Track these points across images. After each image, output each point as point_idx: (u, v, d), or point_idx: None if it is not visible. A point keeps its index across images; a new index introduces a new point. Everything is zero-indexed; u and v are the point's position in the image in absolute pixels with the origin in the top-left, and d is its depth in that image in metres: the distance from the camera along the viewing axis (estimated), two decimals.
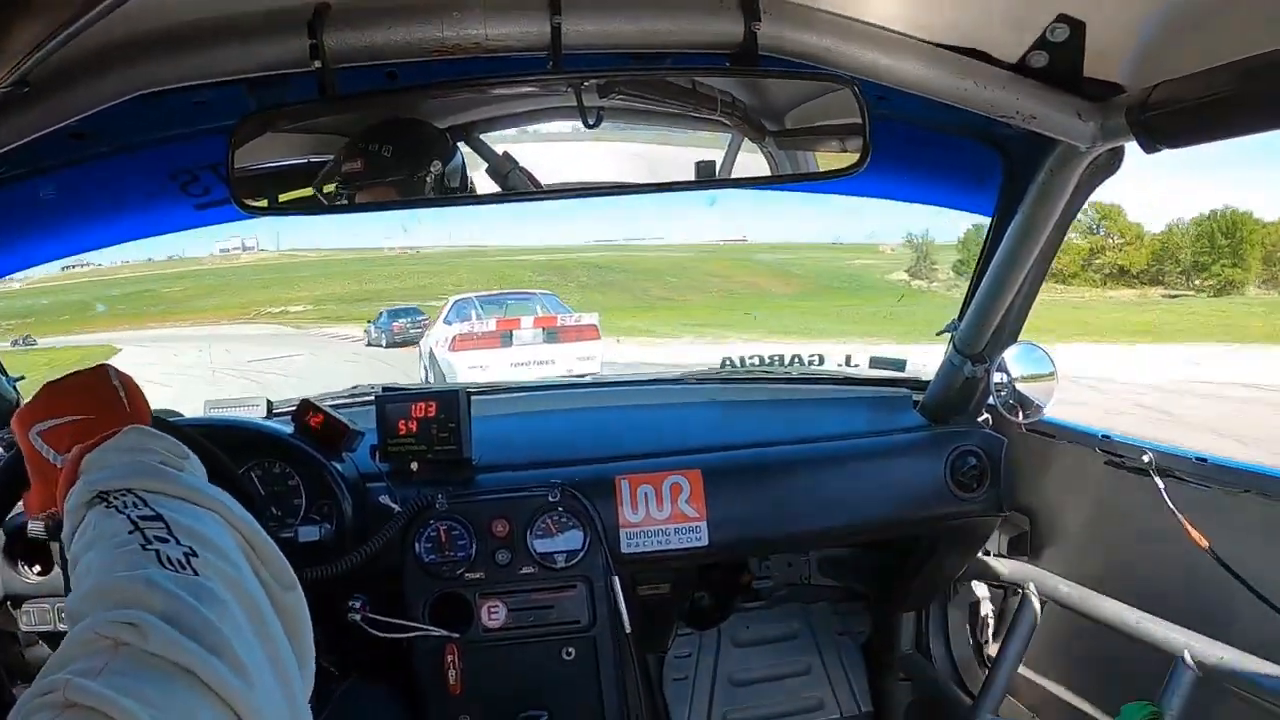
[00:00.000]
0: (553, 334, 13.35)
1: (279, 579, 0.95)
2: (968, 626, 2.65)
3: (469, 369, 12.48)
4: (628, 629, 2.01)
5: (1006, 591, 2.50)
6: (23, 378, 2.10)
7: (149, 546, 0.84)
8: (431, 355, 14.11)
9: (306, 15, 1.37)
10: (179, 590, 0.79)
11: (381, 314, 24.77)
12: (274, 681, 0.82)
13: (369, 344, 23.77)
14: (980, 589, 2.58)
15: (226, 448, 1.80)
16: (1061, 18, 1.40)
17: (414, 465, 2.09)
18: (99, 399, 1.13)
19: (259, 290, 40.17)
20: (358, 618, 1.92)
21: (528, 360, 12.87)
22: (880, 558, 2.58)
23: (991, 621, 2.59)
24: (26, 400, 1.15)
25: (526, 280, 31.02)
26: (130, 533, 0.86)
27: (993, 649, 2.52)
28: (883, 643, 2.75)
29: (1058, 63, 1.48)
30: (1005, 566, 2.40)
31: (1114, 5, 1.37)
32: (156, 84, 1.42)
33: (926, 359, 2.48)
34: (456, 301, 15.12)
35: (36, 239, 2.08)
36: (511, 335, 13.23)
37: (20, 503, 1.31)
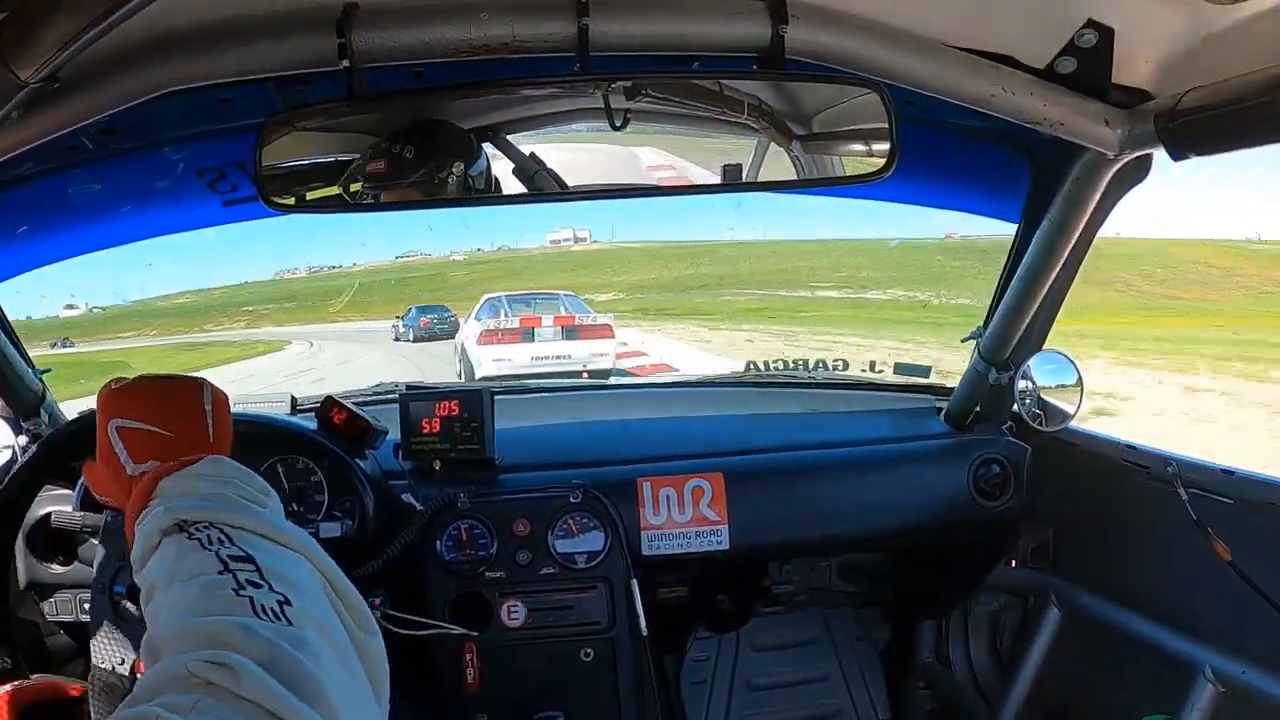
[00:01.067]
0: (571, 332, 14.23)
1: (362, 624, 0.95)
2: (988, 635, 2.62)
3: (493, 361, 13.49)
4: (646, 631, 2.01)
5: (1027, 600, 2.47)
6: (49, 370, 2.12)
7: (242, 592, 0.83)
8: (462, 350, 15.02)
9: (335, 14, 1.37)
10: (276, 639, 0.78)
11: (410, 310, 25.30)
12: None
13: (395, 339, 24.36)
14: (1001, 597, 2.56)
15: (249, 442, 1.82)
16: (1090, 24, 1.39)
17: (436, 464, 2.10)
18: (185, 417, 1.10)
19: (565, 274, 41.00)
20: (377, 614, 1.92)
21: (547, 355, 13.74)
22: (902, 564, 2.57)
23: (1012, 630, 2.56)
24: (114, 384, 1.12)
25: None
26: (220, 573, 0.85)
27: (1013, 658, 2.50)
28: (902, 650, 2.73)
29: (1086, 69, 1.47)
30: (1026, 575, 2.39)
31: (1142, 11, 1.36)
32: (184, 82, 1.43)
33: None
34: (487, 300, 15.78)
35: (65, 232, 2.10)
36: (533, 332, 14.08)
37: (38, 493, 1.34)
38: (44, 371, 2.10)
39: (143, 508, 0.97)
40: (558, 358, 13.70)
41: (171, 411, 1.10)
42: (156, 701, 0.71)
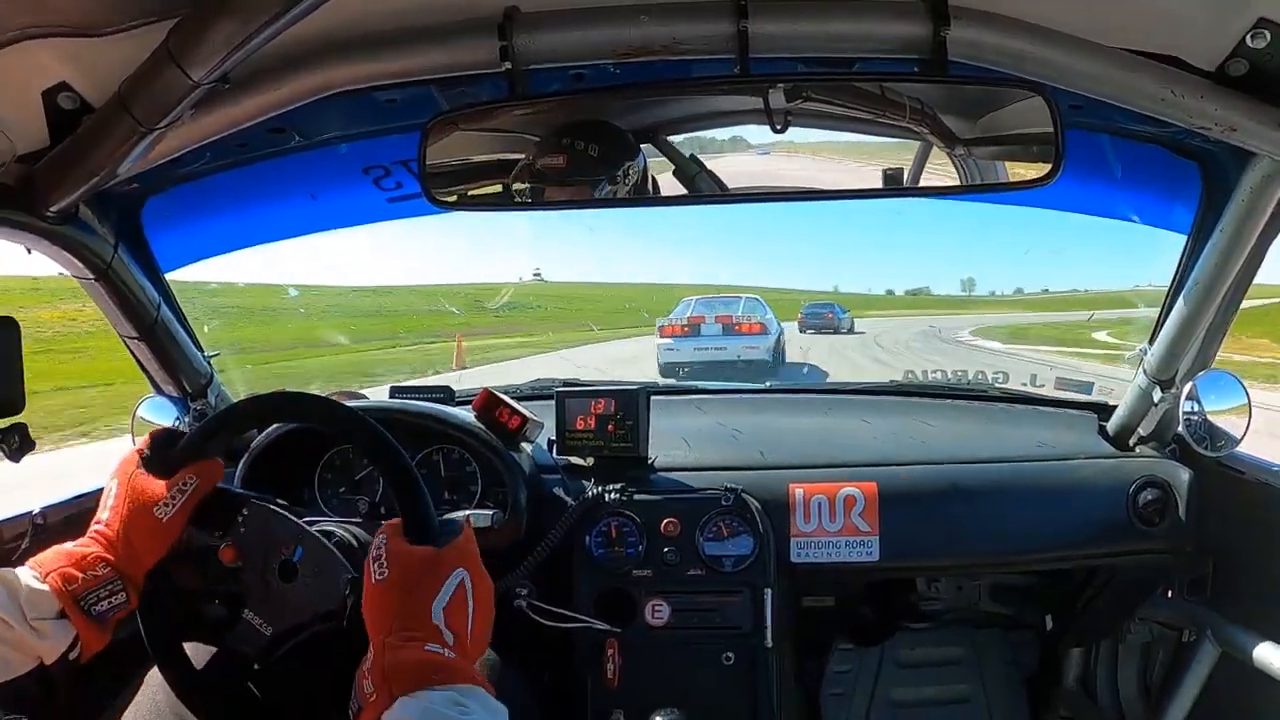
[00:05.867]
0: (730, 328, 16.53)
1: None
2: (1138, 668, 2.49)
3: (665, 350, 16.13)
4: (771, 642, 1.98)
5: (1182, 634, 2.33)
6: (218, 353, 2.23)
7: None
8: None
9: (497, 18, 1.41)
10: None
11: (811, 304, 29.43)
12: None
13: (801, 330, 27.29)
14: (1154, 629, 2.41)
15: (408, 433, 1.87)
16: (1262, 22, 1.29)
17: (589, 460, 2.12)
18: (464, 646, 1.16)
19: None
20: (524, 605, 1.96)
21: (707, 347, 16.16)
22: (1053, 588, 2.46)
23: (1163, 665, 2.42)
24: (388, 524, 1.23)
25: None
26: None
27: (1162, 694, 2.36)
28: (1048, 677, 2.62)
29: (1258, 71, 1.37)
30: (1182, 609, 2.25)
31: None
32: (350, 83, 1.49)
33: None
34: (683, 300, 18.28)
35: (235, 225, 2.22)
36: (699, 327, 16.58)
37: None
38: (212, 355, 2.20)
39: (403, 691, 1.04)
40: (716, 350, 16.05)
41: (463, 624, 1.17)
42: None
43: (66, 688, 1.74)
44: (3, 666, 1.26)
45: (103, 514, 1.39)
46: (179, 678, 1.47)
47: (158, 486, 1.39)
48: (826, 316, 28.04)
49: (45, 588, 1.28)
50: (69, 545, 1.35)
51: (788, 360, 17.98)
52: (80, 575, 1.31)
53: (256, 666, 1.45)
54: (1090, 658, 2.54)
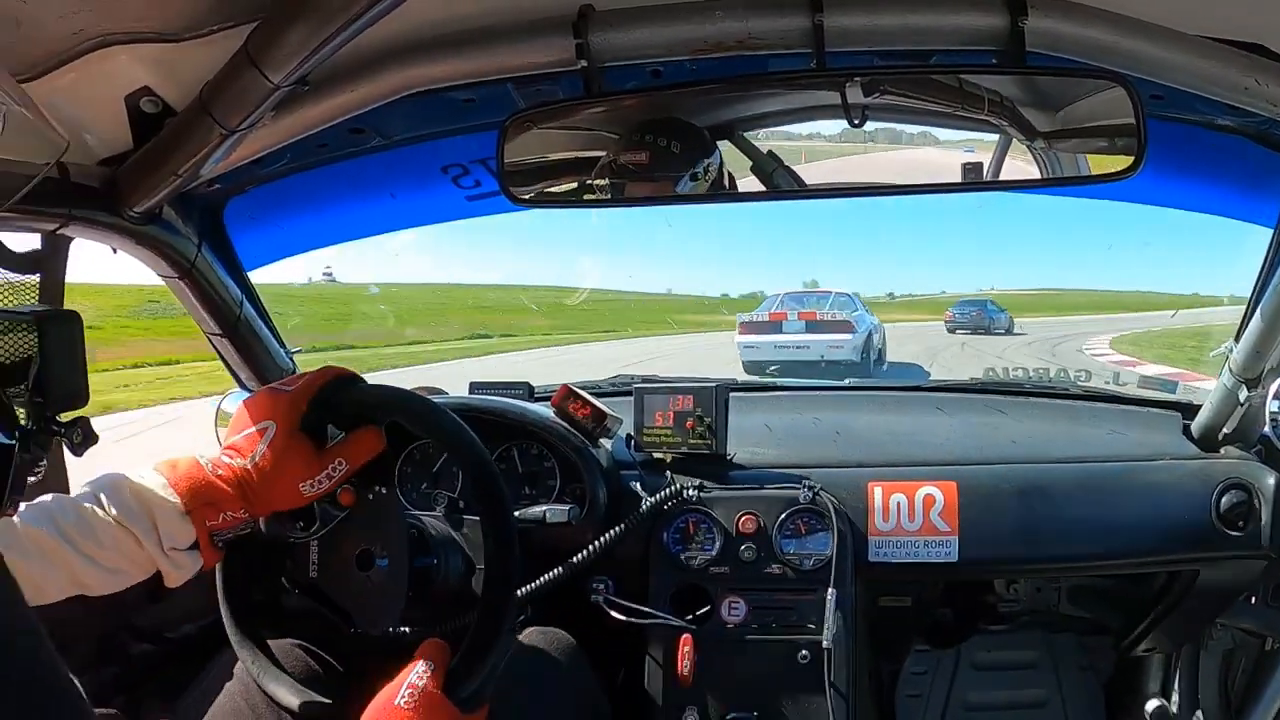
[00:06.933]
0: (813, 325, 16.17)
1: None
2: (1218, 676, 2.41)
3: (745, 348, 15.78)
4: (829, 644, 1.95)
5: (1265, 643, 2.26)
6: (300, 350, 2.27)
7: None
8: None
9: (571, 17, 1.42)
10: None
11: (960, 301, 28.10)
12: None
13: (950, 329, 26.47)
14: (1236, 636, 2.34)
15: (487, 428, 1.90)
16: None
17: (667, 457, 2.11)
18: None
19: None
20: (600, 599, 1.98)
21: (789, 344, 15.84)
22: (1133, 592, 2.39)
23: (1245, 674, 2.35)
24: None
25: None
26: None
27: (1244, 704, 2.30)
28: (1126, 683, 2.55)
29: None
30: (1265, 616, 2.19)
31: None
32: (427, 83, 1.51)
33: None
34: (769, 296, 18.29)
35: (316, 225, 2.26)
36: (781, 325, 16.31)
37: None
38: (295, 352, 2.25)
39: None
40: (798, 347, 15.72)
41: None
42: None
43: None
44: (115, 578, 1.29)
45: (253, 447, 1.39)
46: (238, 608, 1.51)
47: (311, 460, 1.41)
48: (975, 315, 26.19)
49: (187, 521, 1.31)
50: (203, 462, 1.36)
51: (889, 359, 17.53)
52: (220, 515, 1.34)
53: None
54: (1169, 664, 2.47)
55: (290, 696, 1.45)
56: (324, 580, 1.47)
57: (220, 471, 1.36)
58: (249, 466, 1.37)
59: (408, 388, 1.64)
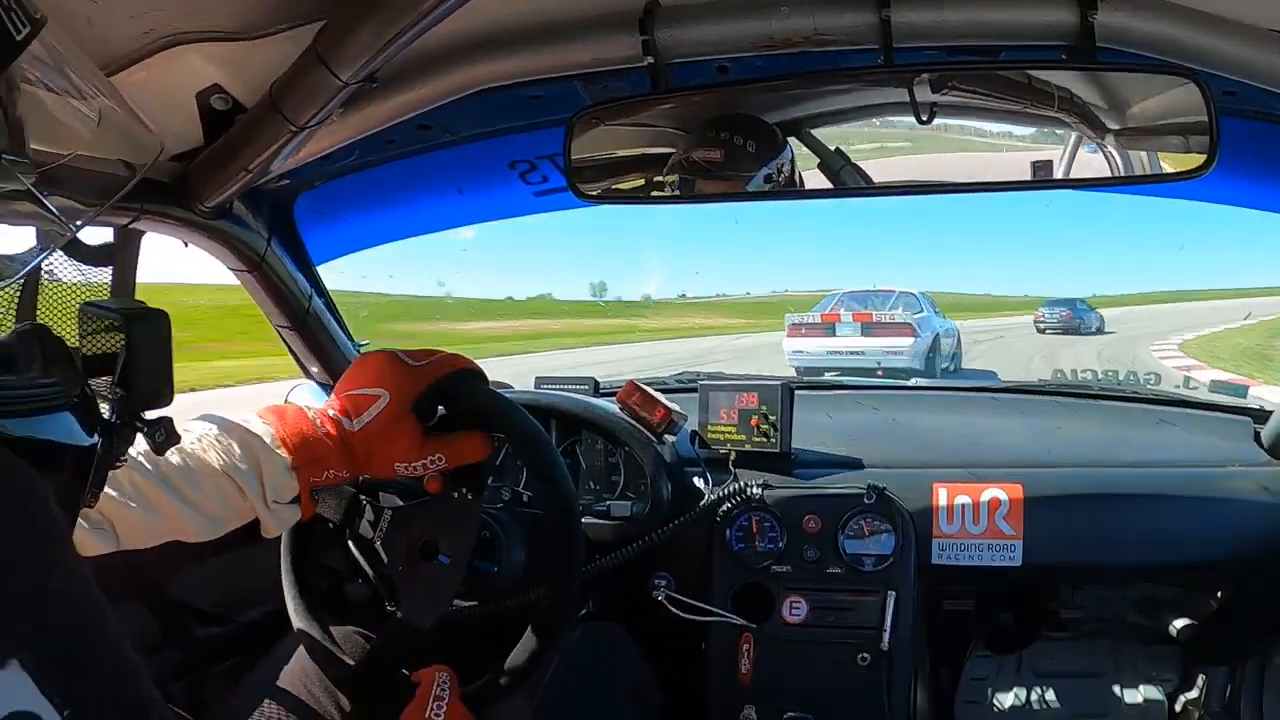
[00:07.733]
0: (869, 328, 14.97)
1: None
2: None
3: (792, 352, 14.76)
4: (887, 646, 1.94)
5: None
6: (367, 342, 2.31)
7: None
8: None
9: (637, 13, 1.42)
10: None
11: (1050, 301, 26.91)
12: None
13: (1040, 329, 25.68)
14: None
15: (553, 424, 1.92)
16: None
17: (731, 454, 2.11)
18: None
19: None
20: (661, 596, 1.99)
21: (842, 349, 14.60)
22: (1199, 602, 2.34)
23: None
24: None
25: None
26: None
27: None
28: (1189, 695, 2.50)
29: None
30: None
31: None
32: (494, 80, 1.53)
33: None
34: (825, 296, 16.93)
35: (385, 220, 2.30)
36: (834, 327, 15.02)
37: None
38: (361, 344, 2.29)
39: None
40: (851, 353, 14.52)
41: None
42: None
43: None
44: (213, 525, 1.30)
45: (362, 413, 1.39)
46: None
47: (413, 444, 1.40)
48: (1064, 315, 25.35)
49: (293, 476, 1.33)
50: (310, 415, 1.37)
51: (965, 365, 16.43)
52: (324, 473, 1.36)
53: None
54: (1235, 676, 2.40)
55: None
56: (385, 548, 1.47)
57: (328, 429, 1.37)
58: (355, 430, 1.39)
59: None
